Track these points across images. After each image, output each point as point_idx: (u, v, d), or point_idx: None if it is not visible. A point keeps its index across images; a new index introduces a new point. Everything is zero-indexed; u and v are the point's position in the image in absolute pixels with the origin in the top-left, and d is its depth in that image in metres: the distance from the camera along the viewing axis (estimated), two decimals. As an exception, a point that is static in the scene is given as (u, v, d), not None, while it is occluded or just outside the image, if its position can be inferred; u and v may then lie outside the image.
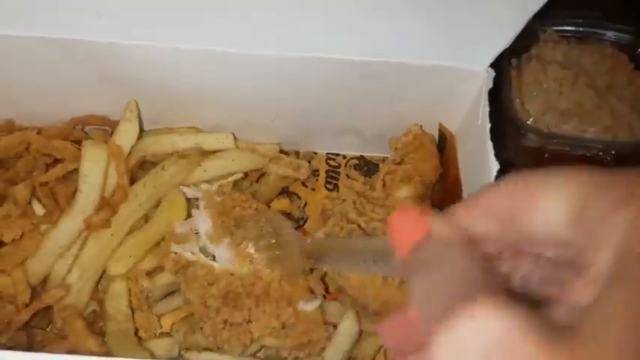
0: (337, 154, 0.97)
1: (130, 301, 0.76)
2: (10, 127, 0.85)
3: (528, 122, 0.85)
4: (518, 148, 0.87)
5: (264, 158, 0.89)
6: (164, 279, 0.78)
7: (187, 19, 0.73)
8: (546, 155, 0.87)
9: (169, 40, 0.73)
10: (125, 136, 0.80)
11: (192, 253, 0.77)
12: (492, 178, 0.69)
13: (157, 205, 0.81)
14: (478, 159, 0.75)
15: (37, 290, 0.75)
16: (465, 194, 0.82)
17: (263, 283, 0.76)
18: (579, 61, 0.90)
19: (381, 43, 0.74)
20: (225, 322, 0.75)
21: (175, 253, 0.76)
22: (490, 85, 0.75)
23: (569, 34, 0.92)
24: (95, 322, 0.76)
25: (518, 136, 0.86)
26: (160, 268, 0.78)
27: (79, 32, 0.72)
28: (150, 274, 0.79)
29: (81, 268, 0.76)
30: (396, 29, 0.75)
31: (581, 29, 0.92)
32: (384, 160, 0.96)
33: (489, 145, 0.71)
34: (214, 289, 0.75)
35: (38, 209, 0.78)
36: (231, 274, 0.76)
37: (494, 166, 0.70)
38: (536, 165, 0.90)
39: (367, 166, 0.97)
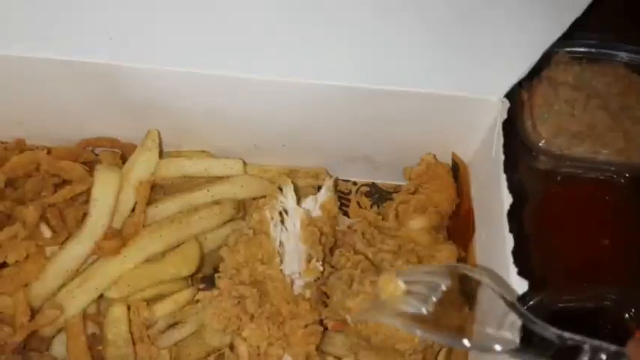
0: (347, 180, 0.95)
1: (130, 327, 0.75)
2: (20, 147, 0.85)
3: (540, 144, 0.83)
4: (529, 171, 0.85)
5: (272, 184, 0.87)
6: (163, 309, 0.77)
7: (200, 45, 0.73)
8: (559, 178, 0.86)
9: (181, 64, 0.73)
10: (145, 165, 0.80)
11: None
12: (505, 212, 0.67)
13: (177, 245, 0.79)
14: (491, 190, 0.73)
15: (36, 312, 0.74)
16: (477, 225, 0.80)
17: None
18: (591, 82, 0.89)
19: (395, 72, 0.73)
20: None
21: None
22: (505, 115, 0.73)
23: (581, 56, 0.90)
24: (93, 346, 0.75)
25: (530, 158, 0.84)
26: (159, 297, 0.77)
27: (91, 55, 0.72)
28: (149, 303, 0.77)
29: (85, 291, 0.75)
30: (411, 58, 0.74)
31: (593, 50, 0.90)
32: (395, 187, 0.94)
33: (503, 177, 0.69)
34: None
35: (45, 231, 0.77)
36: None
37: (508, 199, 0.68)
38: (548, 188, 0.90)
39: (378, 194, 0.95)
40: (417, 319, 0.59)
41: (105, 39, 0.72)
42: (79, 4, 0.73)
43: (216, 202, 0.81)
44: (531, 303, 0.75)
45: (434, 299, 0.59)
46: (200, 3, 0.73)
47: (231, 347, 0.75)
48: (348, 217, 0.91)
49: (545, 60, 0.86)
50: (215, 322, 0.70)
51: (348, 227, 0.87)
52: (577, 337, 0.52)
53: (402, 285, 0.63)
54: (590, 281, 0.79)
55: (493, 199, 0.72)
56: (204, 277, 0.84)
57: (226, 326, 0.71)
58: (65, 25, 0.72)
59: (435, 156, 0.86)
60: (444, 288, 0.60)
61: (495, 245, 0.69)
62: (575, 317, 0.77)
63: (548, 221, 0.83)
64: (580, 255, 0.80)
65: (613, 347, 0.50)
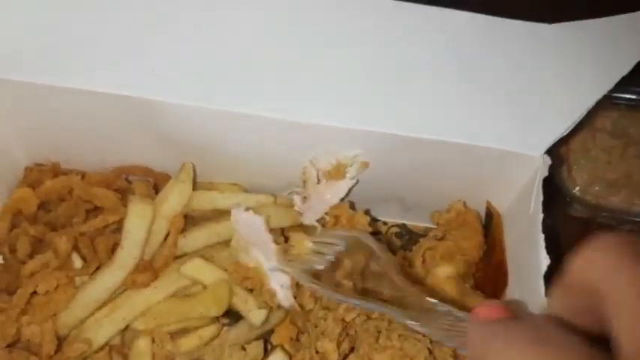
0: (378, 220, 0.94)
1: (154, 360, 0.75)
2: (55, 170, 0.86)
3: (575, 191, 0.82)
4: (563, 217, 0.84)
5: (300, 215, 0.87)
6: (188, 344, 0.76)
7: (238, 85, 0.73)
8: (593, 227, 0.84)
9: (217, 103, 0.73)
10: (179, 198, 0.80)
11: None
12: (542, 273, 0.66)
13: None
14: (527, 248, 0.72)
15: (63, 340, 0.75)
16: (510, 279, 0.79)
17: None
18: (629, 130, 0.88)
19: (437, 121, 0.73)
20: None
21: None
22: (545, 172, 0.72)
23: (620, 102, 0.89)
24: (118, 379, 0.75)
25: (564, 205, 0.83)
26: (184, 331, 0.77)
27: (130, 88, 0.73)
28: (174, 337, 0.77)
29: (113, 321, 0.75)
30: (454, 109, 0.73)
31: (633, 97, 0.89)
32: (426, 229, 0.93)
33: (541, 237, 0.68)
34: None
35: (77, 261, 0.77)
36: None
37: (545, 260, 0.66)
38: (583, 237, 0.87)
39: (409, 235, 0.94)
40: (314, 274, 0.69)
41: (148, 75, 0.72)
42: (121, 39, 0.73)
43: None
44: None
45: (329, 258, 0.69)
46: (242, 42, 0.73)
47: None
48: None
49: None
50: None
51: (373, 272, 0.86)
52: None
53: (309, 244, 0.72)
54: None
55: (529, 256, 0.70)
56: (228, 311, 0.84)
57: None
58: (109, 58, 0.73)
59: (465, 203, 0.85)
60: (341, 249, 0.69)
61: (531, 306, 0.68)
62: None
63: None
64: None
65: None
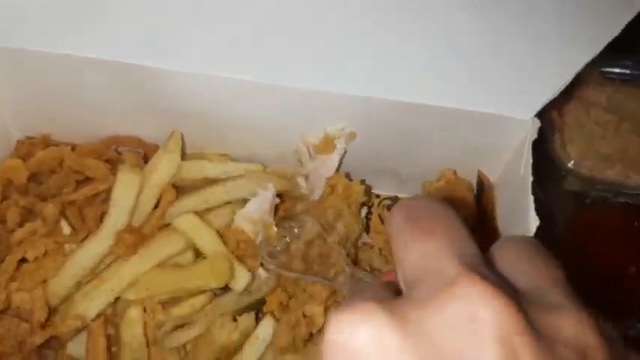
0: (372, 192, 0.94)
1: (145, 329, 0.75)
2: (45, 142, 0.86)
3: (569, 165, 0.82)
4: (557, 191, 0.83)
5: (291, 181, 0.86)
6: (180, 312, 0.76)
7: (230, 50, 0.73)
8: (587, 201, 0.84)
9: (208, 68, 0.73)
10: (167, 167, 0.80)
11: None
12: (532, 234, 0.66)
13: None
14: (517, 211, 0.71)
15: (54, 310, 0.74)
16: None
17: None
18: (624, 104, 0.87)
19: (425, 87, 0.72)
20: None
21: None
22: (535, 135, 0.72)
23: (614, 77, 0.88)
24: (109, 347, 0.75)
25: (558, 179, 0.83)
26: (175, 300, 0.77)
27: (122, 55, 0.72)
28: (165, 306, 0.77)
29: (102, 293, 0.75)
30: (442, 74, 0.72)
31: (627, 72, 0.88)
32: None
33: (530, 199, 0.68)
34: None
35: (66, 228, 0.77)
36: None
37: (534, 221, 0.66)
38: (577, 210, 0.88)
39: (400, 207, 0.93)
40: (274, 256, 0.75)
41: (139, 41, 0.72)
42: (115, 6, 0.73)
43: (229, 202, 0.80)
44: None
45: (288, 240, 0.75)
46: (231, 11, 0.73)
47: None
48: (368, 231, 0.90)
49: (578, 79, 0.85)
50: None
51: (364, 243, 0.86)
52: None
53: (275, 229, 0.77)
54: (615, 309, 0.77)
55: (519, 220, 0.70)
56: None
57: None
58: (100, 25, 0.73)
59: (455, 172, 0.85)
60: (296, 232, 0.75)
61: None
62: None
63: (574, 245, 0.81)
64: (605, 281, 0.78)
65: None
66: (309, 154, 0.84)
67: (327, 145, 0.82)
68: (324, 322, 0.69)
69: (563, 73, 0.72)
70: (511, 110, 0.73)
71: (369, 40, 0.73)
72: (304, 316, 0.70)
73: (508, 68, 0.73)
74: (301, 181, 0.85)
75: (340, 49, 0.72)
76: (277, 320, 0.74)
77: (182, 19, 0.73)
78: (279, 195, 0.82)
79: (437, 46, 0.73)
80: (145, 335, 0.75)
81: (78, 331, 0.75)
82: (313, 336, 0.73)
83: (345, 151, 0.83)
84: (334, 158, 0.83)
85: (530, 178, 0.69)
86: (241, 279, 0.76)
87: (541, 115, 0.73)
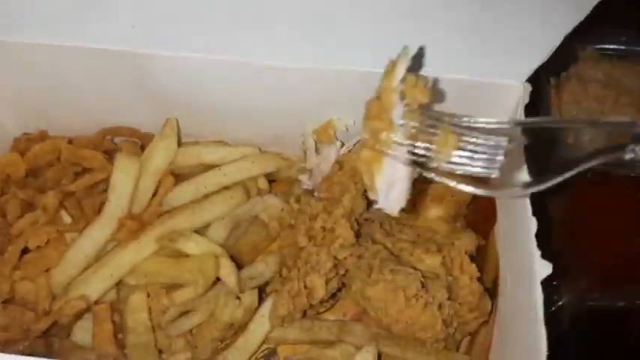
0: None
1: (150, 314, 0.75)
2: (43, 137, 0.86)
3: (568, 142, 0.82)
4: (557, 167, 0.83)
5: (286, 160, 0.87)
6: (182, 296, 0.76)
7: (220, 32, 0.73)
8: (588, 174, 0.84)
9: (199, 50, 0.73)
10: (164, 153, 0.80)
11: None
12: (528, 197, 0.66)
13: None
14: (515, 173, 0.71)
15: (58, 298, 0.75)
16: (499, 212, 0.78)
17: None
18: (621, 80, 0.87)
19: (416, 57, 0.73)
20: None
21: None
22: (527, 99, 0.72)
23: (610, 53, 0.88)
24: (115, 334, 0.75)
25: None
26: (178, 285, 0.77)
27: (114, 42, 0.73)
28: (168, 291, 0.77)
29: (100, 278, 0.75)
30: (431, 44, 0.73)
31: (623, 47, 0.88)
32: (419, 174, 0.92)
33: (523, 158, 0.68)
34: None
35: (66, 218, 0.77)
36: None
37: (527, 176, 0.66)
38: (579, 184, 0.87)
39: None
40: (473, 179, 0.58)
41: (127, 27, 0.72)
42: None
43: (226, 188, 0.81)
44: (560, 303, 0.74)
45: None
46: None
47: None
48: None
49: (572, 57, 0.86)
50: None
51: (366, 218, 0.86)
52: None
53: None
54: (620, 280, 0.77)
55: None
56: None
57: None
58: (88, 13, 0.73)
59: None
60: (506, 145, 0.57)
61: (518, 230, 0.68)
62: (605, 317, 0.76)
63: (575, 216, 0.81)
64: (610, 252, 0.78)
65: None
66: (316, 147, 0.85)
67: (325, 132, 0.83)
68: (324, 294, 0.69)
69: (552, 37, 0.72)
70: (503, 77, 0.73)
71: (361, 16, 0.73)
72: (305, 287, 0.70)
73: (498, 37, 0.73)
74: (304, 178, 0.86)
75: (333, 26, 0.73)
76: (276, 291, 0.74)
77: (172, 3, 0.74)
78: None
79: (427, 17, 0.73)
80: (150, 320, 0.75)
81: (81, 315, 0.75)
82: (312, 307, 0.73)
83: (343, 145, 0.84)
84: (331, 152, 0.84)
85: (523, 139, 0.69)
86: (231, 279, 0.76)
87: (532, 80, 0.73)
